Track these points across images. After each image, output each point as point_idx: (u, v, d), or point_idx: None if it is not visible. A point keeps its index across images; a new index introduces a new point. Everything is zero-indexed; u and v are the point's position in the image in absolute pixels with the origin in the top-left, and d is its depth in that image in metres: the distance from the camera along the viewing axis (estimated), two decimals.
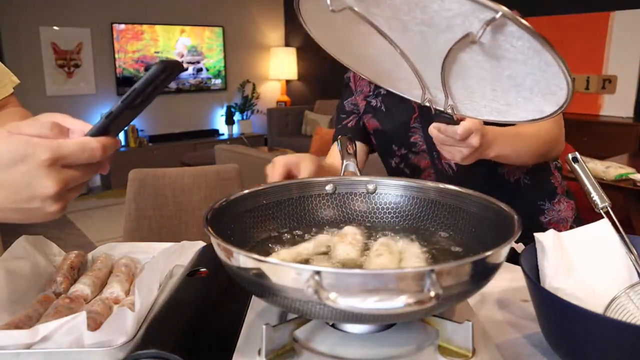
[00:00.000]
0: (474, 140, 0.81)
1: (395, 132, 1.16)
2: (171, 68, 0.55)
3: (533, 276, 0.62)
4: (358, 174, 0.86)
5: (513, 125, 1.00)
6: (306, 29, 0.77)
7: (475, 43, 0.58)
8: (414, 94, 0.80)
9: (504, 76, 0.62)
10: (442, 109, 0.76)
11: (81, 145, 0.53)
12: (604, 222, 0.67)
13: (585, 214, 1.12)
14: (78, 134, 0.56)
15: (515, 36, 0.55)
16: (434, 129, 0.81)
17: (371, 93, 1.18)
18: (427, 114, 1.06)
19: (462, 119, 0.78)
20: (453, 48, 0.61)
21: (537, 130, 1.02)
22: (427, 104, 0.77)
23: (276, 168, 0.89)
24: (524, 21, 0.53)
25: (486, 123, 0.82)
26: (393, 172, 1.22)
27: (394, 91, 0.85)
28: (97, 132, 0.56)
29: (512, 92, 0.65)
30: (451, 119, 0.77)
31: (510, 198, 1.10)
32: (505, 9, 0.52)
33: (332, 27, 0.75)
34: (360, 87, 1.21)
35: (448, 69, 0.67)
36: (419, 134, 1.12)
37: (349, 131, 1.24)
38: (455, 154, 0.86)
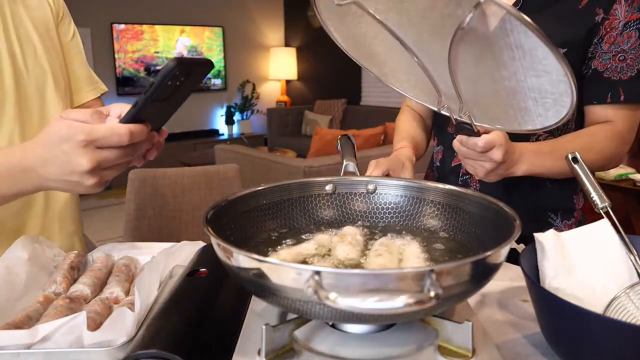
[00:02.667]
0: (496, 154, 0.79)
1: None
2: (188, 65, 0.59)
3: (533, 276, 0.62)
4: (358, 174, 0.86)
5: (534, 134, 0.95)
6: (325, 28, 0.75)
7: (464, 29, 0.55)
8: (430, 100, 0.77)
9: (512, 78, 0.60)
10: (459, 117, 0.73)
11: (111, 130, 0.61)
12: (604, 222, 0.67)
13: (585, 214, 1.11)
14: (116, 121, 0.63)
15: (520, 31, 0.53)
16: (456, 141, 0.79)
17: None
18: None
19: (485, 132, 0.76)
20: (454, 45, 0.59)
21: (584, 146, 0.90)
22: (445, 113, 0.74)
23: (377, 171, 0.96)
24: (518, 13, 0.50)
25: (518, 137, 0.79)
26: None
27: (409, 97, 0.82)
28: (128, 119, 0.62)
29: (520, 97, 0.63)
30: (472, 131, 0.75)
31: (526, 194, 1.07)
32: None
33: (345, 22, 0.73)
34: None
35: (456, 72, 0.64)
36: None
37: None
38: (477, 169, 0.84)
